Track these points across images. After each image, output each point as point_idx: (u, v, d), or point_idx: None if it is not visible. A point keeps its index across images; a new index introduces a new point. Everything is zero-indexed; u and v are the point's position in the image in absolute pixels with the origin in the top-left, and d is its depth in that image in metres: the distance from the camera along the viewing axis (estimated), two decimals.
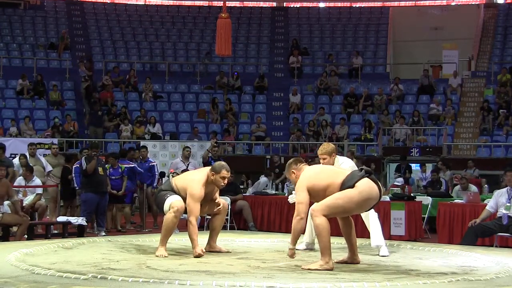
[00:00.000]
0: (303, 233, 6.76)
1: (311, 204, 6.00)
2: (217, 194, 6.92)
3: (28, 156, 11.72)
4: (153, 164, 12.67)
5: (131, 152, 13.01)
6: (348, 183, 5.87)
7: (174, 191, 6.66)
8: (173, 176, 7.18)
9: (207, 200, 6.76)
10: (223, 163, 6.79)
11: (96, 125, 19.22)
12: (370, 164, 14.01)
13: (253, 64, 24.10)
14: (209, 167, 6.78)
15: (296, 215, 5.89)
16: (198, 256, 6.36)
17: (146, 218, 12.36)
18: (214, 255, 6.60)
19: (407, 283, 5.01)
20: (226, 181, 6.69)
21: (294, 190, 6.36)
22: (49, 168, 12.01)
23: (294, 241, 5.97)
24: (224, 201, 7.04)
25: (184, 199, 6.59)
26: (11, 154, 13.67)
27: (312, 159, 15.01)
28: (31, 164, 11.19)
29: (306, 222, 6.15)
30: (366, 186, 5.87)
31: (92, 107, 19.71)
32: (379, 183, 6.05)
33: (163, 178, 13.30)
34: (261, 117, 20.67)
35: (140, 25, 26.10)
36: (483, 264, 6.23)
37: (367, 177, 5.93)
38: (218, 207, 6.90)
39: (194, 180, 6.61)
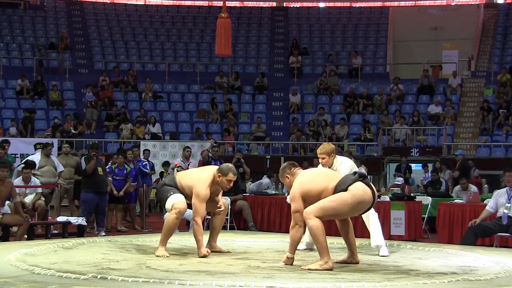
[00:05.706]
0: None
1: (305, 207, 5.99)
2: (220, 195, 6.91)
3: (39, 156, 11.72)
4: (145, 163, 12.89)
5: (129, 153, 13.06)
6: (341, 187, 5.86)
7: (177, 188, 6.64)
8: (178, 171, 7.11)
9: (210, 199, 6.73)
10: (230, 165, 6.71)
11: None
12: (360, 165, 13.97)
13: (253, 64, 24.09)
14: (215, 167, 6.75)
15: (294, 224, 5.89)
16: (203, 256, 6.33)
17: (146, 218, 12.38)
18: (214, 255, 6.59)
19: (407, 283, 5.01)
20: (231, 184, 6.68)
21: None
22: (60, 168, 11.98)
23: (293, 250, 5.94)
24: (224, 201, 7.03)
25: (187, 197, 6.58)
26: (10, 154, 13.63)
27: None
28: (43, 164, 11.24)
29: (304, 230, 6.15)
30: (359, 189, 5.85)
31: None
32: (373, 187, 6.04)
33: (163, 178, 13.29)
34: (261, 117, 20.65)
35: (140, 25, 26.09)
36: (483, 264, 6.23)
37: (361, 180, 5.92)
38: (218, 207, 6.89)
39: (200, 179, 6.56)
